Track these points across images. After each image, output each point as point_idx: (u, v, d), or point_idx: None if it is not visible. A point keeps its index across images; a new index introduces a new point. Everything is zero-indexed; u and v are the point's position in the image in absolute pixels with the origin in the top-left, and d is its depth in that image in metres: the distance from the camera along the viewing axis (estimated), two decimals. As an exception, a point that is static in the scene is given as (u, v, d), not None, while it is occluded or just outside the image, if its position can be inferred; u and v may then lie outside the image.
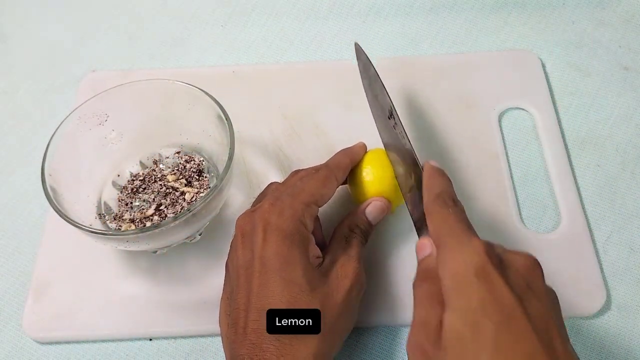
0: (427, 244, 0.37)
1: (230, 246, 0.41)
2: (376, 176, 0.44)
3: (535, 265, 0.34)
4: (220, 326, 0.39)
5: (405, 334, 0.44)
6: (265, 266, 0.36)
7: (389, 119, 0.44)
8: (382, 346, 0.44)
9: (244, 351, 0.34)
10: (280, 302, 0.35)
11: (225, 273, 0.41)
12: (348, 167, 0.44)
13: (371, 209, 0.43)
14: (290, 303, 0.35)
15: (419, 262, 0.37)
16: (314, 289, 0.36)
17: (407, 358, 0.43)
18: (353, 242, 0.41)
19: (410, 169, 0.42)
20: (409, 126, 0.53)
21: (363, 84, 0.48)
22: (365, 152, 0.46)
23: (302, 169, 0.44)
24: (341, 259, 0.40)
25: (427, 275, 0.35)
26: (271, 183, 0.45)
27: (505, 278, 0.31)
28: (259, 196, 0.44)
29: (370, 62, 0.47)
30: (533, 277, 0.33)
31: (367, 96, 0.48)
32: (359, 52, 0.48)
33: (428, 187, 0.39)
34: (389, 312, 0.44)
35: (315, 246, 0.40)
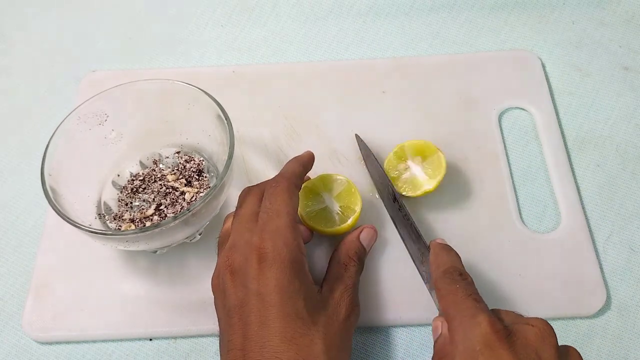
0: (439, 325, 0.37)
1: (215, 288, 0.39)
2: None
3: (547, 334, 0.33)
4: None
5: (402, 334, 0.44)
6: (264, 302, 0.35)
7: (394, 202, 0.46)
8: (382, 346, 0.44)
9: None
10: (282, 340, 0.34)
11: (217, 314, 0.39)
12: (302, 174, 0.43)
13: (365, 235, 0.43)
14: (293, 339, 0.34)
15: (434, 343, 0.37)
16: (315, 321, 0.35)
17: (406, 358, 0.43)
18: (351, 269, 0.41)
19: (421, 246, 0.43)
20: (409, 126, 0.53)
21: (369, 171, 0.50)
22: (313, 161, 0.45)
23: (238, 208, 0.41)
24: (340, 287, 0.39)
25: (441, 356, 0.35)
26: (227, 216, 0.43)
27: (512, 351, 0.31)
28: (222, 236, 0.42)
29: (370, 151, 0.49)
30: (544, 347, 0.33)
31: (372, 179, 0.49)
32: (360, 142, 0.50)
33: (436, 265, 0.39)
34: (386, 311, 0.44)
35: (308, 272, 0.38)
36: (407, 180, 0.47)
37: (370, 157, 0.49)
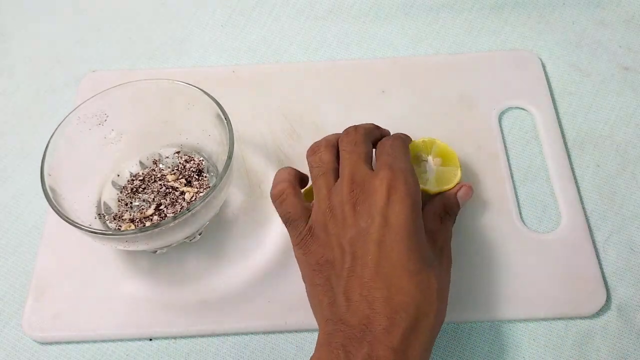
0: None
1: (318, 223, 0.39)
2: None
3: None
4: (316, 316, 0.38)
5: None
6: (391, 231, 0.36)
7: None
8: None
9: (362, 317, 0.34)
10: (403, 272, 0.35)
11: (307, 259, 0.39)
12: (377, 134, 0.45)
13: (462, 194, 0.45)
14: (414, 273, 0.35)
15: None
16: (431, 264, 0.37)
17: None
18: (448, 222, 0.43)
19: None
20: (409, 126, 0.53)
21: None
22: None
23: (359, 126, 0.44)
24: (440, 238, 0.41)
25: None
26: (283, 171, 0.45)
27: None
28: (314, 168, 0.43)
29: None
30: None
31: None
32: None
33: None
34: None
35: None
36: (418, 170, 0.47)
37: None
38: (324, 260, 0.38)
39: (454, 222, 0.44)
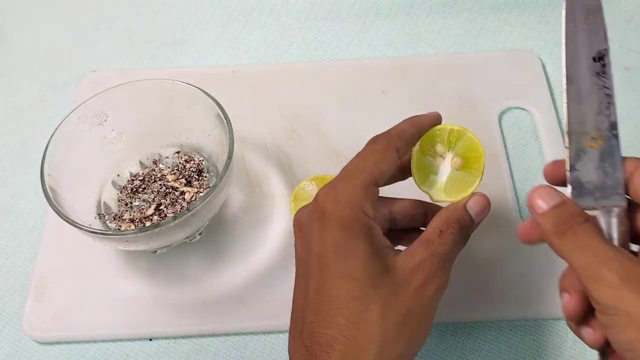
0: None
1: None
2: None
3: None
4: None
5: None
6: (322, 262, 0.33)
7: (595, 62, 0.35)
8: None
9: (298, 355, 0.32)
10: (334, 302, 0.32)
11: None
12: (413, 137, 0.37)
13: (473, 204, 0.36)
14: (345, 302, 0.31)
15: None
16: (376, 285, 0.32)
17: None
18: (447, 237, 0.34)
19: (602, 133, 0.33)
20: (409, 126, 0.53)
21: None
22: (438, 123, 0.38)
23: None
24: (423, 253, 0.33)
25: None
26: None
27: None
28: None
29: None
30: None
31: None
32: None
33: None
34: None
35: (382, 236, 0.35)
36: (432, 168, 0.38)
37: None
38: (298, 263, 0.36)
39: (465, 239, 0.36)
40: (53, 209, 0.40)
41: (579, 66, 0.34)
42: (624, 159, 0.33)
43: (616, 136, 0.32)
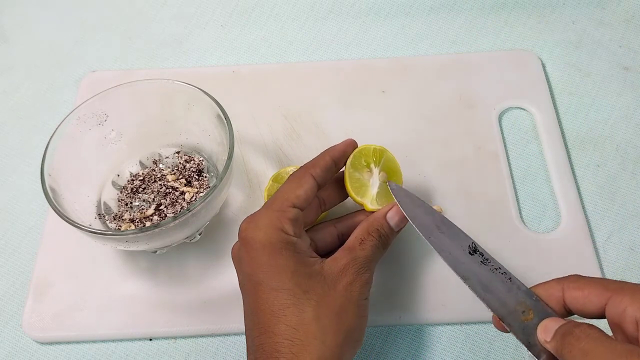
0: None
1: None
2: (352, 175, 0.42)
3: None
4: None
5: (407, 332, 0.44)
6: (254, 281, 0.37)
7: (472, 255, 0.38)
8: (384, 345, 0.44)
9: None
10: (271, 314, 0.35)
11: None
12: (328, 164, 0.41)
13: (393, 214, 0.40)
14: (280, 311, 0.35)
15: None
16: (307, 290, 0.36)
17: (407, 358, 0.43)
18: (367, 244, 0.39)
19: (526, 304, 0.35)
20: (409, 126, 0.53)
21: (419, 228, 0.39)
22: (354, 148, 0.42)
23: None
24: (345, 259, 0.38)
25: None
26: None
27: None
28: None
29: (417, 197, 0.41)
30: None
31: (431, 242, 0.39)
32: (398, 191, 0.41)
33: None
34: (391, 312, 0.44)
35: (308, 248, 0.38)
36: (363, 182, 0.42)
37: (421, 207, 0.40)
38: None
39: (385, 246, 0.40)
40: (53, 209, 0.40)
41: (464, 263, 0.38)
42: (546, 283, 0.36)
43: (538, 300, 0.35)
